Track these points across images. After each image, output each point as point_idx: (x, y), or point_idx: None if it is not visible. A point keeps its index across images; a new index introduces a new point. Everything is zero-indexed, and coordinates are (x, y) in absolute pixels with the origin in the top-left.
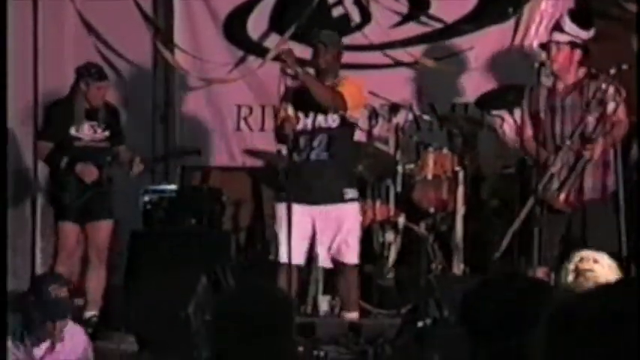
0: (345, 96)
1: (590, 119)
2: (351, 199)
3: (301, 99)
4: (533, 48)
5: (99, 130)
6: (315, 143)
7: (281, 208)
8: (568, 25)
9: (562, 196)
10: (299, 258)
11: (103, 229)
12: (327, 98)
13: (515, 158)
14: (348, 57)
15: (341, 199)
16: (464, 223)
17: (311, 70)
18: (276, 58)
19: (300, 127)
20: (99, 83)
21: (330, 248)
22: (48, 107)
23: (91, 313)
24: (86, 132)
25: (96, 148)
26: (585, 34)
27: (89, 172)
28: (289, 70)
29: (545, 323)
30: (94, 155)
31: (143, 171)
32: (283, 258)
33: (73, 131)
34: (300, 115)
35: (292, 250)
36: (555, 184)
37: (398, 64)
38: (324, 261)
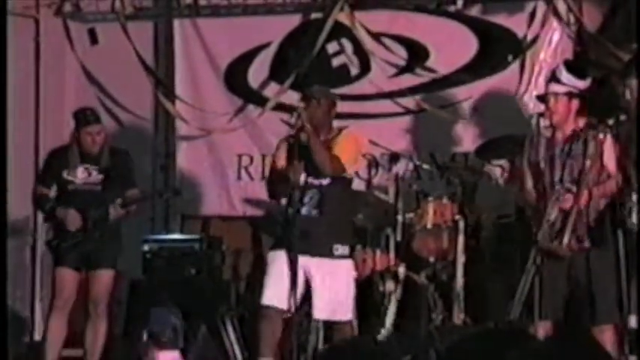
0: (342, 158)
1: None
2: (341, 256)
3: (298, 153)
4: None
5: (94, 173)
6: (306, 199)
7: (272, 255)
8: (564, 75)
9: (565, 241)
10: (287, 304)
11: (101, 279)
12: (325, 165)
13: (514, 207)
14: (348, 106)
15: (330, 254)
16: (464, 272)
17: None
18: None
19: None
20: (89, 128)
21: (322, 302)
22: (48, 154)
23: None
24: (79, 175)
25: (87, 191)
26: (582, 84)
27: (71, 218)
28: (298, 125)
29: None
30: (84, 198)
31: (122, 215)
32: (271, 302)
33: (65, 174)
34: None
35: (281, 296)
36: (555, 231)
37: (399, 113)
38: (318, 313)
